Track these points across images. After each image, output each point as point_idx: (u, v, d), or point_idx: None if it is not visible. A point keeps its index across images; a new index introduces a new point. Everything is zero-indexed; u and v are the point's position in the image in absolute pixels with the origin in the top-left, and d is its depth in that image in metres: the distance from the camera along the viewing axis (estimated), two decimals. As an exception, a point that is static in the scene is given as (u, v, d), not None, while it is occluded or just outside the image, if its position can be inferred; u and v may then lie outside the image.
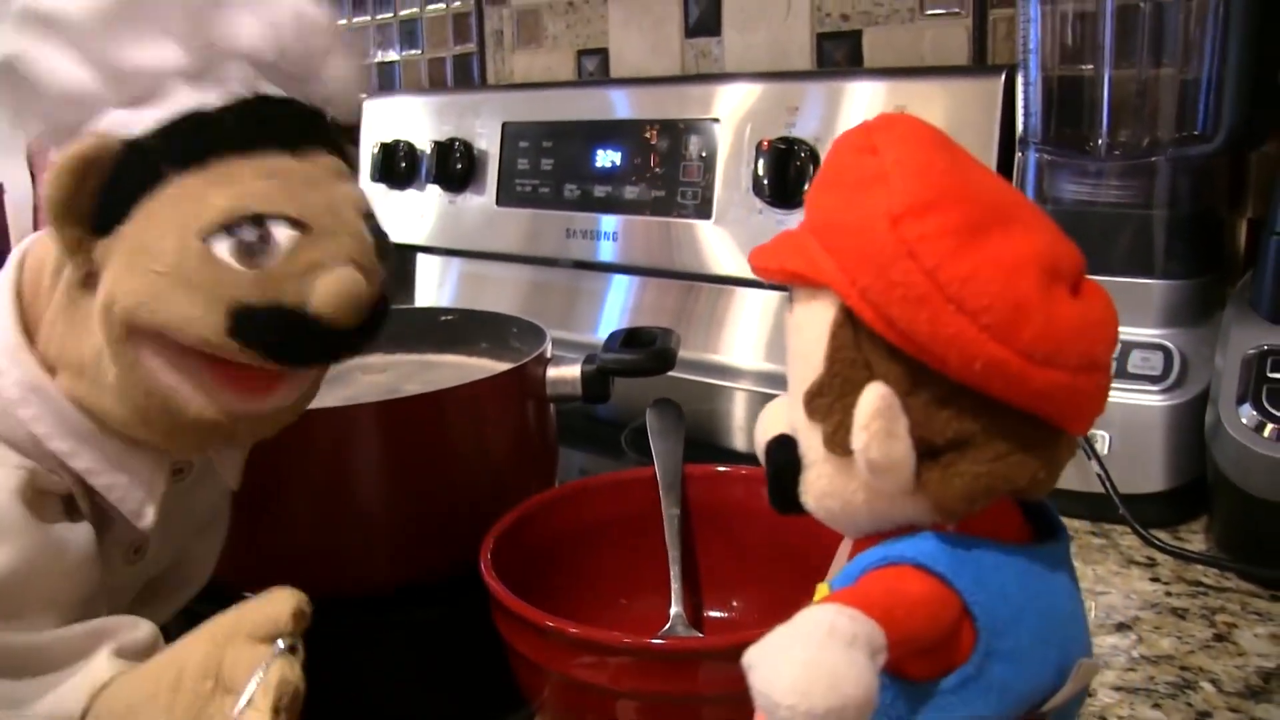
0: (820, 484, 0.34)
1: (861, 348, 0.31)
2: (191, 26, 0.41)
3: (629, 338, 0.73)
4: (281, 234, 0.40)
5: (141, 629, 0.42)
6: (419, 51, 1.46)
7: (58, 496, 0.43)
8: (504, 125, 1.19)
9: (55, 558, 0.41)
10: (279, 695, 0.36)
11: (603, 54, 1.23)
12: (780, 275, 0.34)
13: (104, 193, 0.40)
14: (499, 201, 1.19)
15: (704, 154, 1.01)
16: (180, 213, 0.39)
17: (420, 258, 1.33)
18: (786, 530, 0.57)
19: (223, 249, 0.39)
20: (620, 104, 1.10)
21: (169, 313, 0.39)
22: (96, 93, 0.40)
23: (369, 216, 0.44)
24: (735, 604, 0.60)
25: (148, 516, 0.44)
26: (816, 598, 0.33)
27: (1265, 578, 0.62)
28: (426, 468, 0.63)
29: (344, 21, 0.47)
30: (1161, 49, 0.70)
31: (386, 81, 1.50)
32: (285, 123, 0.42)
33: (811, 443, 0.33)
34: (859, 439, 0.31)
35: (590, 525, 0.59)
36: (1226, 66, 0.67)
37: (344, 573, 0.61)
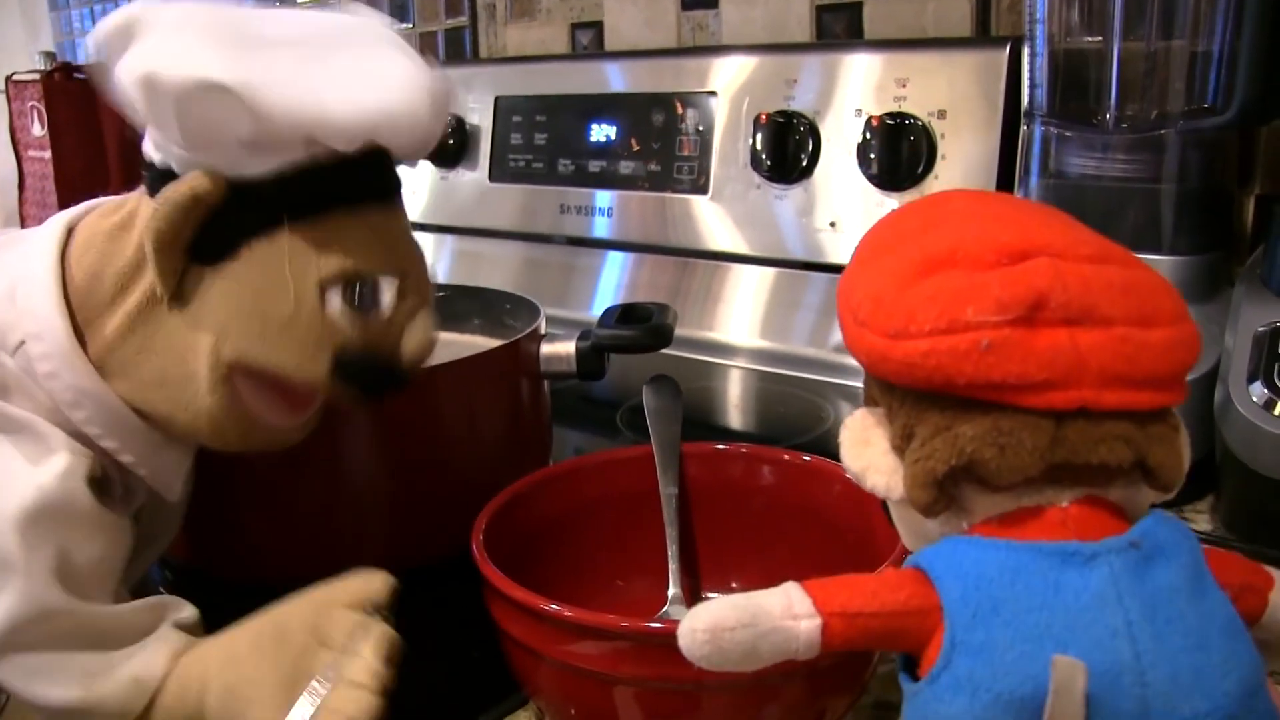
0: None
1: (871, 387, 0.37)
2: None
3: (625, 313, 0.72)
4: (387, 291, 0.46)
5: (186, 608, 0.47)
6: (410, 25, 1.44)
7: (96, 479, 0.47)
8: (497, 100, 1.17)
9: (123, 544, 0.46)
10: (384, 647, 0.41)
11: (597, 27, 1.21)
12: None
13: (208, 226, 0.43)
14: (492, 177, 1.18)
15: (700, 128, 1.00)
16: (297, 265, 0.44)
17: (412, 235, 1.32)
18: (785, 509, 0.57)
19: (335, 302, 0.44)
20: (615, 78, 1.08)
21: (281, 358, 0.44)
22: (239, 131, 0.42)
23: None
24: (734, 584, 0.59)
25: (176, 492, 0.50)
26: None
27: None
28: (417, 446, 0.62)
29: None
30: (1172, 20, 0.68)
31: (377, 56, 1.48)
32: (383, 179, 0.47)
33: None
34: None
35: (585, 505, 0.58)
36: (1240, 38, 0.66)
37: (332, 554, 0.59)
